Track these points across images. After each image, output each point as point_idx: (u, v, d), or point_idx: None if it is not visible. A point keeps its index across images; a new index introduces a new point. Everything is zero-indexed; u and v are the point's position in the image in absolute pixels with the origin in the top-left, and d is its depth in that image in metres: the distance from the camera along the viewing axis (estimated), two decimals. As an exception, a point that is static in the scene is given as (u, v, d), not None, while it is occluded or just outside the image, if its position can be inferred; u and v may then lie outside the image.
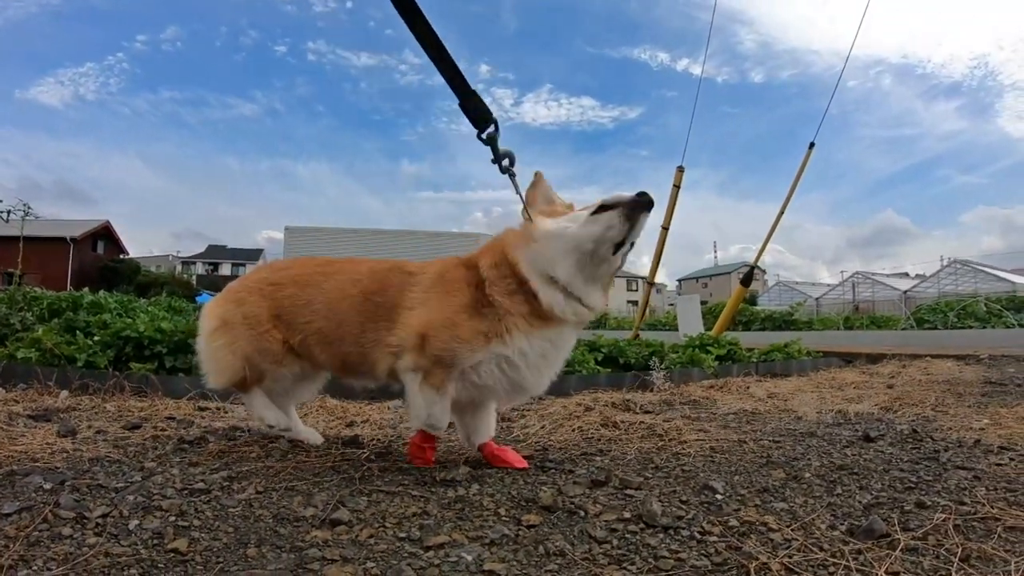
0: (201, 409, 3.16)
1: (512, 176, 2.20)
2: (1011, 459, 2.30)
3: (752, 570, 1.34)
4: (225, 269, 74.16)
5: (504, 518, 1.65)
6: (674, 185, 7.53)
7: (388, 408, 3.45)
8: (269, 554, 1.39)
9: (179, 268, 70.87)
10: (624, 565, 1.37)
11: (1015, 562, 1.35)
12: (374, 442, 2.58)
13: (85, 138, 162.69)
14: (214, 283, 61.35)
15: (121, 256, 52.82)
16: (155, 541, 1.44)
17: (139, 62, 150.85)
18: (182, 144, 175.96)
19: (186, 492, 1.78)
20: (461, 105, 2.18)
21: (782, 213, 7.86)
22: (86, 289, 10.26)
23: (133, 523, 1.53)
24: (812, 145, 7.70)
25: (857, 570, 1.34)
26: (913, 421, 3.17)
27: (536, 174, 2.26)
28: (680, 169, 7.56)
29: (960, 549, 1.44)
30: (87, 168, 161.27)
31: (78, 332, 4.08)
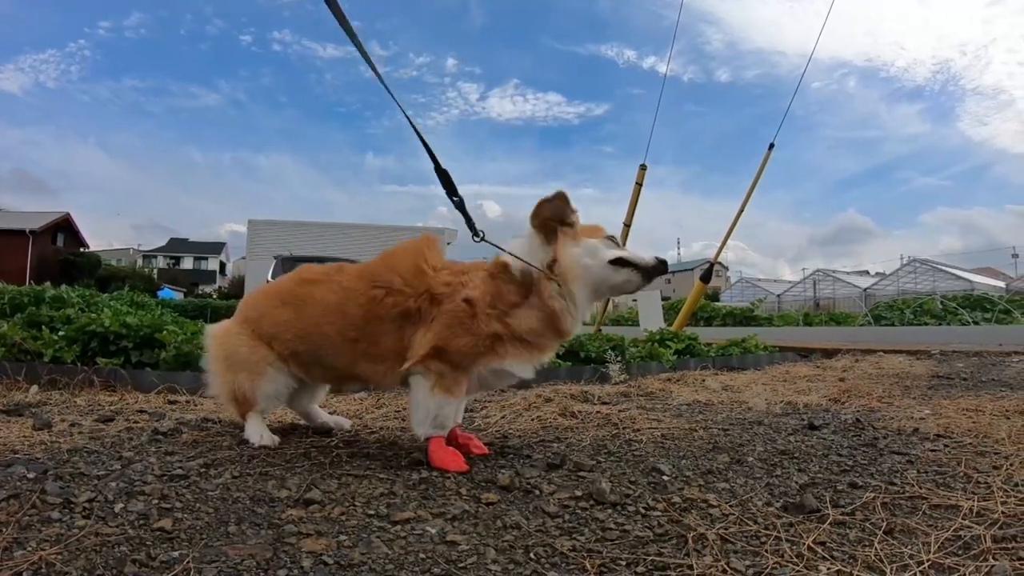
0: (171, 402, 3.25)
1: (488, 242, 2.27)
2: (945, 446, 2.49)
3: (690, 539, 1.50)
4: (187, 263, 72.96)
5: (465, 497, 1.79)
6: (636, 183, 7.72)
7: (354, 400, 3.57)
8: (249, 531, 1.51)
9: (140, 262, 69.47)
10: (574, 536, 1.53)
11: (935, 535, 1.51)
12: (342, 431, 2.70)
13: (45, 126, 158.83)
14: (175, 278, 60.30)
15: (81, 249, 51.51)
16: (141, 522, 1.54)
17: (102, 49, 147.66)
18: (144, 134, 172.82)
19: (166, 478, 1.87)
20: (436, 169, 2.30)
21: (741, 212, 8.11)
22: (48, 283, 10.09)
23: (118, 506, 1.62)
24: (772, 146, 7.95)
25: (787, 540, 1.50)
26: (858, 412, 3.38)
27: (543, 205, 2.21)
28: (643, 167, 7.76)
29: (885, 523, 1.60)
30: (46, 157, 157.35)
31: (44, 327, 4.10)
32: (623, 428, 2.82)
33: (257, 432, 2.36)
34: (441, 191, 2.32)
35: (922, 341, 9.72)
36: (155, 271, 63.88)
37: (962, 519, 1.63)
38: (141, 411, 2.95)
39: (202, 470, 1.97)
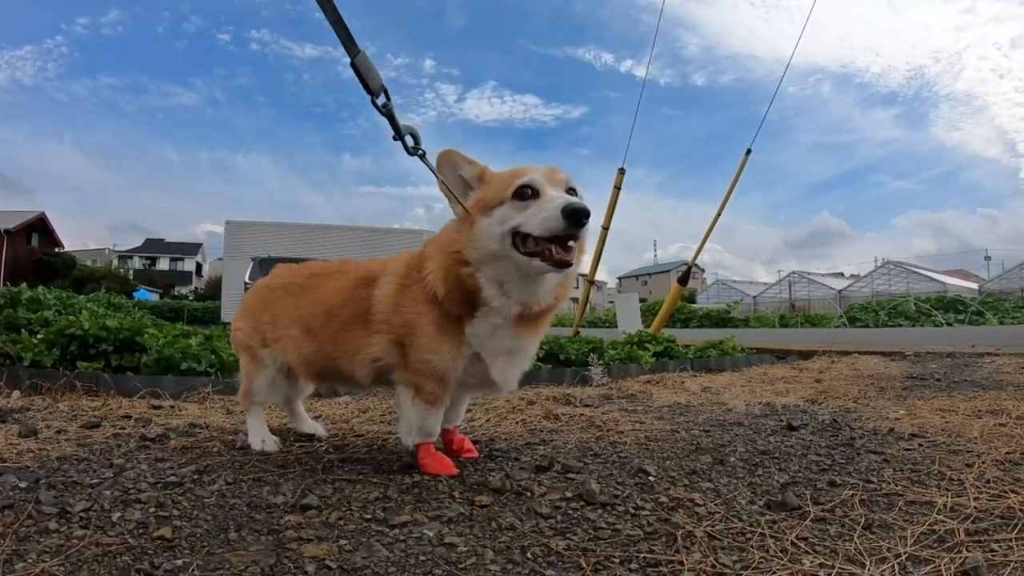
0: (155, 407, 3.25)
1: (422, 157, 2.12)
2: (919, 445, 2.61)
3: (679, 537, 1.57)
4: (163, 264, 72.27)
5: (459, 500, 1.85)
6: (615, 187, 7.82)
7: (339, 404, 3.60)
8: (249, 537, 1.54)
9: (116, 262, 68.60)
10: (567, 535, 1.59)
11: (911, 529, 1.61)
12: (331, 436, 2.74)
13: (20, 124, 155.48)
14: (151, 279, 59.57)
15: (56, 250, 50.80)
16: (140, 530, 1.56)
17: (79, 46, 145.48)
18: (119, 133, 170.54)
19: (160, 485, 1.90)
20: (352, 64, 2.04)
21: (719, 215, 8.25)
22: (24, 285, 9.93)
23: (116, 515, 1.64)
24: (749, 151, 8.09)
25: (771, 536, 1.59)
26: (835, 412, 3.49)
27: (441, 154, 2.11)
28: (621, 171, 7.86)
29: (863, 519, 1.70)
30: (21, 156, 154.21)
31: (23, 330, 4.07)
32: (607, 430, 2.89)
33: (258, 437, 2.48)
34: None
35: (896, 342, 9.96)
36: (131, 272, 63.15)
37: (937, 514, 1.73)
38: (126, 416, 2.96)
39: (195, 477, 2.00)
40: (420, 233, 26.76)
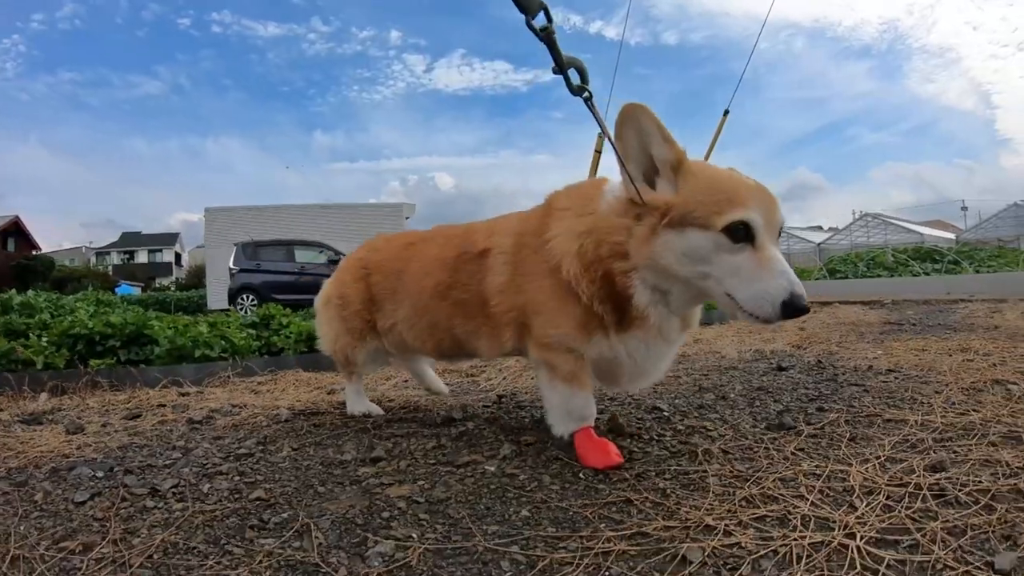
0: (183, 395, 3.51)
1: (588, 100, 1.85)
2: (895, 377, 3.05)
3: (699, 453, 1.96)
4: (141, 257, 71.42)
5: (506, 442, 2.18)
6: (596, 151, 8.08)
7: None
8: (335, 488, 1.82)
9: (93, 260, 67.54)
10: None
11: (888, 440, 2.00)
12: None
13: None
14: (131, 273, 58.84)
15: (34, 252, 50.30)
16: (235, 496, 1.74)
17: (37, 43, 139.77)
18: (86, 128, 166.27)
19: (232, 458, 2.13)
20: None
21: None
22: (13, 291, 9.98)
23: (205, 487, 1.83)
24: (727, 112, 8.39)
25: (774, 449, 1.97)
26: (819, 355, 3.95)
27: (627, 109, 1.71)
28: (600, 136, 8.11)
29: (848, 434, 2.10)
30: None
31: (31, 334, 4.27)
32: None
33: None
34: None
35: (875, 292, 10.53)
36: (110, 268, 62.40)
37: (910, 429, 2.13)
38: (161, 405, 3.21)
39: (261, 447, 2.27)
40: (399, 206, 26.93)
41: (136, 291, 40.05)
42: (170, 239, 74.08)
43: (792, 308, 1.54)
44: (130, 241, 73.85)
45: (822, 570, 1.21)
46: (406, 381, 3.64)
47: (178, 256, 72.59)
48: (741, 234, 1.60)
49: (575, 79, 1.84)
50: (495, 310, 2.05)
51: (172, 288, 48.13)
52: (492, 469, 1.91)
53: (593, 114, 1.81)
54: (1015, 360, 3.32)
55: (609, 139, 1.72)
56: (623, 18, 8.87)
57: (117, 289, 32.24)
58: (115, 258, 70.73)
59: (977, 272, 19.07)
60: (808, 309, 1.57)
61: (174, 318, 5.08)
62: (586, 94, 1.83)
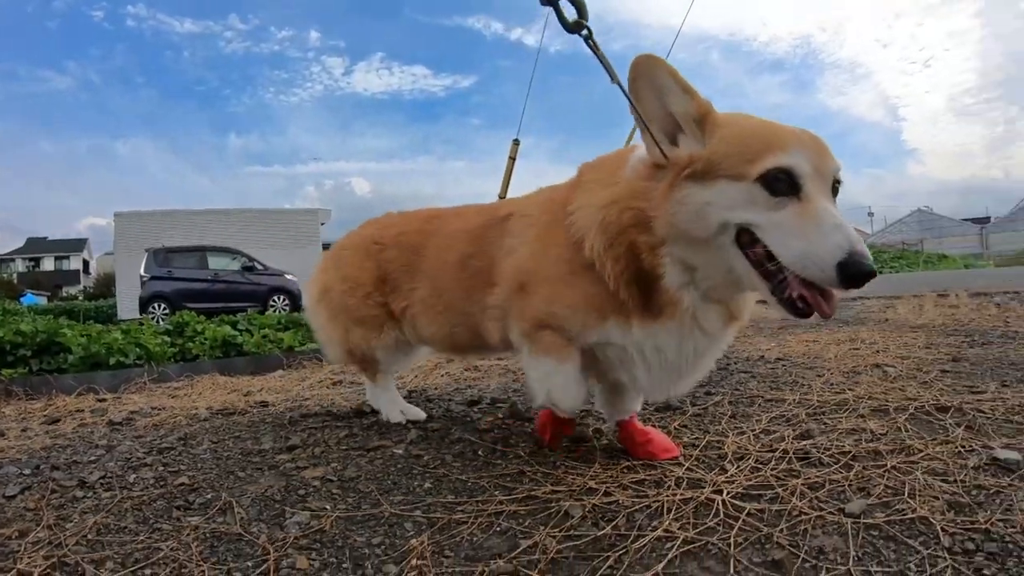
0: (101, 400, 3.56)
1: (588, 40, 1.63)
2: (782, 366, 3.39)
3: (590, 432, 2.23)
4: (48, 264, 67.80)
5: (414, 429, 2.42)
6: (510, 157, 8.31)
7: (276, 377, 4.07)
8: (255, 473, 2.00)
9: None
10: (508, 441, 2.20)
11: (765, 416, 2.31)
12: (284, 402, 3.22)
13: None
14: (36, 281, 55.90)
15: None
16: (160, 483, 1.91)
17: None
18: None
19: (155, 452, 2.27)
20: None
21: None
22: None
23: (131, 477, 1.97)
24: (516, 141, 8.73)
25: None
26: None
27: (639, 62, 1.51)
28: (516, 142, 8.34)
29: (730, 412, 2.41)
30: None
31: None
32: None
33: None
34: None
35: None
36: (14, 276, 59.06)
37: (787, 406, 2.44)
38: (79, 410, 3.27)
39: (182, 442, 2.41)
40: (315, 212, 26.74)
41: (42, 300, 38.22)
42: (78, 245, 71.02)
43: (851, 271, 1.25)
44: (36, 247, 70.38)
45: (689, 518, 1.47)
46: (320, 381, 3.82)
47: (86, 263, 69.58)
48: (783, 184, 1.35)
49: (571, 13, 1.63)
50: (500, 276, 1.89)
51: (80, 297, 46.21)
52: (400, 452, 2.13)
53: (596, 55, 1.58)
54: (897, 347, 3.72)
55: (620, 86, 1.52)
56: (541, 25, 9.09)
57: (22, 298, 30.77)
58: (20, 265, 67.29)
59: (880, 272, 20.34)
60: (875, 272, 1.25)
61: (87, 326, 5.08)
62: (584, 31, 1.61)
